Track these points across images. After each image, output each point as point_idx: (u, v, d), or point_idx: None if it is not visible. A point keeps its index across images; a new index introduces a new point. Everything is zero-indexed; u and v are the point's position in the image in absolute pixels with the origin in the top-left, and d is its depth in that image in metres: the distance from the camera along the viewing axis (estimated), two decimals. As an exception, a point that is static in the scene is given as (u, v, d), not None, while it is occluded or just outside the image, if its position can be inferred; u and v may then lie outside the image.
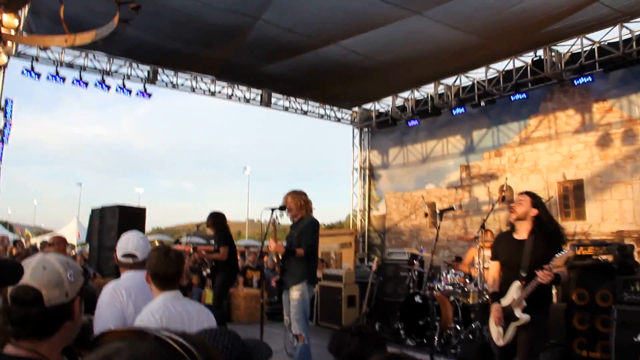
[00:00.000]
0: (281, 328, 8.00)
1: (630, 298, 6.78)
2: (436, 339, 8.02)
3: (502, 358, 4.71)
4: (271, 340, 8.79)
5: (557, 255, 4.36)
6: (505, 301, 4.65)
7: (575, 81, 10.59)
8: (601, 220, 10.47)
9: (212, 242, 9.36)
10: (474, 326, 7.87)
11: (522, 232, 4.66)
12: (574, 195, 11.07)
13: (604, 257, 7.75)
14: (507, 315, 4.61)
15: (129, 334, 0.85)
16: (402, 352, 1.99)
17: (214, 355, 0.89)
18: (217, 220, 8.76)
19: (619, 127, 10.47)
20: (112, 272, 5.89)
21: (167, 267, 2.96)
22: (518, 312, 4.54)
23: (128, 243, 3.62)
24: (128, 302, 3.29)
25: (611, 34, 10.11)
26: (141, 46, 11.25)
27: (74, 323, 1.70)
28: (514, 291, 4.59)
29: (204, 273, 9.96)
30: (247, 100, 14.20)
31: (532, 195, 4.78)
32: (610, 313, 6.93)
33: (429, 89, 13.57)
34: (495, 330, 4.75)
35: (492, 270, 4.96)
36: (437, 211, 6.32)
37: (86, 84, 11.94)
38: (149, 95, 12.61)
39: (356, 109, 15.96)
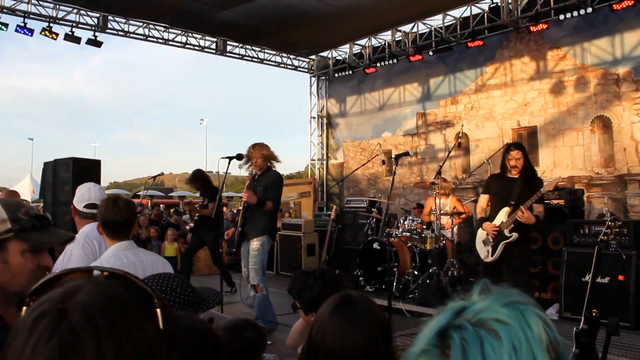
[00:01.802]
0: (239, 278, 8.06)
1: (579, 240, 7.03)
2: (394, 284, 8.20)
3: (489, 273, 5.77)
4: (233, 293, 8.86)
5: (547, 182, 5.79)
6: (496, 222, 5.75)
7: (530, 28, 10.65)
8: (553, 166, 10.72)
9: (199, 196, 9.39)
10: (431, 271, 8.05)
11: (514, 173, 5.79)
12: (528, 142, 11.25)
13: (555, 201, 7.98)
14: (497, 235, 5.71)
15: (86, 274, 0.85)
16: (359, 292, 2.01)
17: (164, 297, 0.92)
18: (203, 177, 8.93)
19: (571, 75, 10.63)
20: (68, 228, 5.75)
21: (115, 215, 2.92)
22: (507, 232, 5.62)
23: (91, 193, 3.56)
24: (99, 252, 3.28)
25: (566, -19, 10.19)
26: (89, -9, 10.80)
27: (6, 267, 1.62)
28: (503, 215, 5.70)
29: (187, 227, 9.93)
30: (202, 49, 13.86)
31: (522, 148, 5.91)
32: (560, 255, 7.18)
33: (386, 36, 13.47)
34: (483, 250, 5.86)
35: (481, 201, 6.16)
36: (393, 157, 6.39)
37: (31, 31, 11.38)
38: (100, 43, 12.14)
39: (313, 56, 15.76)
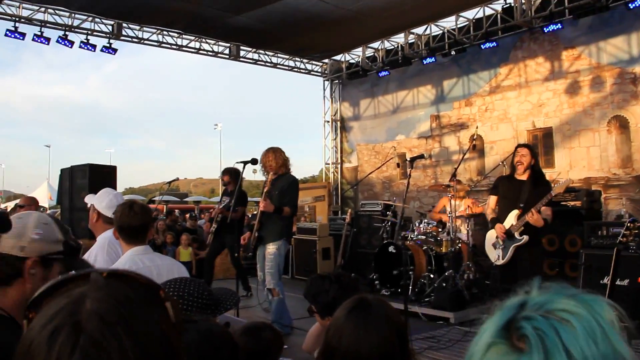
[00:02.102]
0: (256, 282, 8.06)
1: (597, 242, 6.95)
2: (410, 288, 8.15)
3: (504, 276, 5.91)
4: (249, 297, 8.86)
5: (557, 185, 5.68)
6: (505, 225, 5.74)
7: (545, 28, 10.58)
8: (569, 167, 10.62)
9: (222, 198, 9.21)
10: (447, 274, 8.00)
11: (522, 175, 5.78)
12: (543, 144, 11.19)
13: (572, 203, 7.91)
14: (507, 237, 5.72)
15: (84, 279, 0.83)
16: (374, 295, 2.00)
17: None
18: (235, 176, 8.62)
19: (587, 75, 10.53)
20: (85, 234, 5.78)
21: (131, 219, 2.94)
22: (517, 234, 5.63)
23: (117, 198, 3.60)
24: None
25: (580, -20, 10.13)
26: (103, -1, 10.89)
27: (24, 284, 1.65)
28: (513, 218, 5.69)
29: (212, 229, 9.88)
30: (216, 54, 13.92)
31: (529, 147, 5.93)
32: (578, 258, 7.11)
33: (399, 39, 13.45)
34: (493, 253, 5.89)
35: (491, 202, 6.16)
36: (407, 159, 6.38)
37: (47, 40, 11.53)
38: (114, 50, 12.27)
39: (326, 60, 15.77)
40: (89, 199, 3.73)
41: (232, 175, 8.71)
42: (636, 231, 4.05)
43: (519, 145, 6.01)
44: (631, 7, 9.39)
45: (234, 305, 2.08)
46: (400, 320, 1.94)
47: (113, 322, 0.73)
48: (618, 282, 6.04)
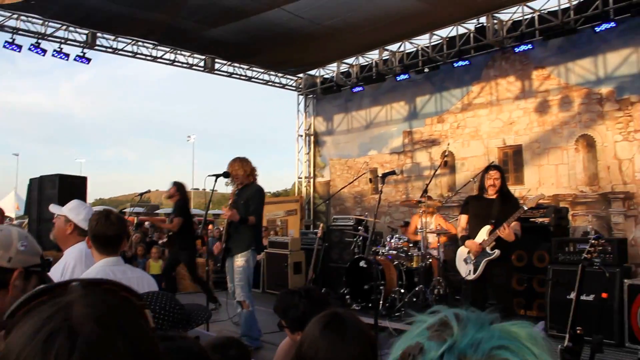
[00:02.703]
0: (226, 296, 8.01)
1: (564, 258, 7.08)
2: (381, 302, 8.19)
3: (474, 291, 6.06)
4: (217, 309, 8.78)
5: (529, 199, 5.85)
6: (477, 241, 5.87)
7: (516, 48, 10.80)
8: (539, 184, 10.80)
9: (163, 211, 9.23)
10: (417, 289, 8.06)
11: (490, 192, 5.97)
12: (513, 161, 11.37)
13: (540, 219, 8.04)
14: (479, 253, 5.83)
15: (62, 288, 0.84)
16: (345, 310, 2.03)
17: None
18: (182, 190, 8.74)
19: (556, 94, 10.75)
20: (53, 246, 5.69)
21: (107, 229, 2.92)
22: (489, 249, 5.77)
23: (90, 211, 3.56)
24: None
25: (550, 3, 10.39)
26: (78, 8, 10.78)
27: (6, 295, 1.64)
28: (484, 233, 5.83)
29: (160, 241, 9.80)
30: (190, 66, 13.88)
31: (500, 170, 6.11)
32: (546, 273, 7.23)
33: (373, 55, 13.59)
34: (464, 268, 5.99)
35: (462, 221, 6.26)
36: (379, 175, 6.46)
37: (19, 47, 11.40)
38: (88, 60, 12.15)
39: (301, 75, 15.83)
40: (57, 210, 3.68)
41: (178, 188, 8.76)
42: (600, 248, 4.15)
43: (490, 166, 6.15)
44: (597, 30, 9.66)
45: (205, 320, 2.08)
46: (372, 335, 1.97)
47: (108, 325, 0.74)
48: (584, 297, 6.16)
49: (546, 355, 0.69)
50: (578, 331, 3.63)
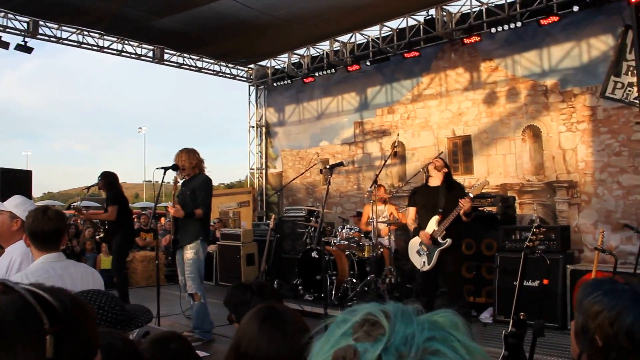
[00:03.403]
0: (179, 289, 7.93)
1: (511, 246, 7.28)
2: (333, 292, 8.25)
3: (426, 281, 6.19)
4: (169, 303, 8.71)
5: (475, 185, 5.99)
6: (428, 231, 6.00)
7: (464, 40, 10.96)
8: (487, 174, 11.01)
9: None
10: (369, 279, 8.14)
11: (435, 182, 6.11)
12: (463, 151, 11.56)
13: (488, 208, 8.22)
14: (432, 243, 5.96)
15: None
16: (277, 303, 2.04)
17: (84, 312, 0.86)
18: (108, 179, 8.42)
19: (503, 86, 10.97)
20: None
21: (44, 225, 2.85)
22: (440, 239, 5.90)
23: (33, 206, 3.48)
24: None
25: (498, -5, 10.59)
26: (18, -5, 10.43)
27: None
28: (434, 224, 5.96)
29: (97, 237, 9.54)
30: (139, 56, 13.59)
31: (443, 160, 6.36)
32: (494, 261, 7.41)
33: (324, 46, 13.59)
34: (418, 260, 6.10)
35: (410, 213, 6.41)
36: (327, 167, 6.48)
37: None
38: (30, 49, 11.73)
39: (252, 65, 15.71)
40: (0, 206, 3.60)
41: (102, 179, 8.50)
42: (541, 236, 4.28)
43: (435, 159, 6.44)
44: (542, 24, 9.88)
45: (146, 322, 2.02)
46: (308, 326, 1.98)
47: None
48: (529, 283, 6.34)
49: (468, 339, 0.71)
50: (521, 316, 3.74)
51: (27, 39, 11.71)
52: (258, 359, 1.76)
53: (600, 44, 9.75)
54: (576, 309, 1.92)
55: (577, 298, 1.92)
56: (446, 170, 6.21)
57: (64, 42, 12.36)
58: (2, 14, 11.33)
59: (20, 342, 0.73)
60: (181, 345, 2.15)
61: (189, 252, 6.50)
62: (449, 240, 5.89)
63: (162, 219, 16.40)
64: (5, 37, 11.46)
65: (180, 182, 6.84)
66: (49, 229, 2.86)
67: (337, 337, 0.72)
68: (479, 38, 10.76)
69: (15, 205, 3.54)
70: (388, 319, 0.70)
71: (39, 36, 11.87)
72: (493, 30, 10.50)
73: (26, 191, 8.56)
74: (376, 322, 0.70)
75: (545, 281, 5.54)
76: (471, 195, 5.89)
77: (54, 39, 12.18)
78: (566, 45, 10.13)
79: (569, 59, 10.10)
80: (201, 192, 6.60)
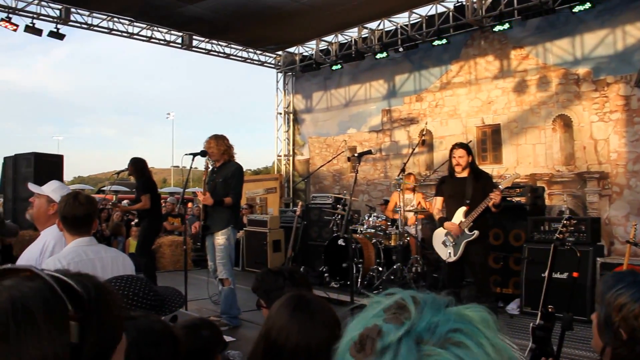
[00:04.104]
0: (206, 274, 8.00)
1: (539, 237, 7.18)
2: (359, 280, 8.25)
3: (452, 271, 6.17)
4: (196, 287, 8.82)
5: (507, 177, 5.99)
6: (454, 222, 5.91)
7: (494, 28, 10.80)
8: (516, 163, 10.90)
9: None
10: (395, 267, 8.13)
11: (462, 172, 5.98)
12: (492, 140, 11.45)
13: (517, 199, 8.13)
14: (459, 235, 5.88)
15: (21, 273, 0.81)
16: (306, 291, 2.04)
17: (108, 298, 0.88)
18: (137, 166, 8.46)
19: (534, 74, 10.81)
20: (30, 225, 5.63)
21: (75, 210, 2.89)
22: (467, 231, 5.83)
23: (69, 192, 3.58)
24: None
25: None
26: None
27: None
28: (461, 215, 5.89)
29: (133, 223, 9.66)
30: (168, 43, 13.69)
31: (465, 147, 6.08)
32: (521, 252, 7.33)
33: (352, 33, 13.52)
34: (444, 251, 6.05)
35: (437, 203, 6.34)
36: (355, 154, 6.45)
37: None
38: (62, 36, 11.89)
39: (280, 52, 15.72)
40: (37, 189, 3.67)
41: (131, 165, 8.51)
42: (572, 227, 4.22)
43: (455, 147, 6.15)
44: (575, 11, 9.68)
45: (179, 306, 2.03)
46: (336, 314, 1.99)
47: (8, 320, 0.72)
48: (558, 275, 6.27)
49: (497, 338, 0.71)
50: (550, 309, 3.70)
51: (59, 26, 11.87)
52: (288, 348, 1.77)
53: (636, 31, 9.54)
54: (597, 301, 1.89)
55: (598, 290, 1.90)
56: (470, 158, 6.08)
57: (95, 28, 12.51)
58: (36, 1, 11.51)
59: (45, 327, 0.75)
60: (212, 332, 2.18)
61: (220, 239, 6.54)
62: (476, 232, 5.82)
63: (190, 204, 16.54)
64: (39, 24, 11.62)
65: (211, 168, 6.87)
66: (80, 213, 2.92)
67: (370, 317, 0.75)
68: (509, 25, 10.58)
69: (53, 189, 3.60)
70: (417, 305, 0.72)
71: (70, 23, 12.04)
72: (524, 17, 10.31)
73: (58, 175, 8.71)
74: (405, 306, 0.73)
75: (576, 274, 5.45)
76: (501, 187, 5.81)
77: (85, 26, 12.33)
78: (600, 32, 9.93)
79: (603, 47, 9.90)
80: (233, 180, 6.61)
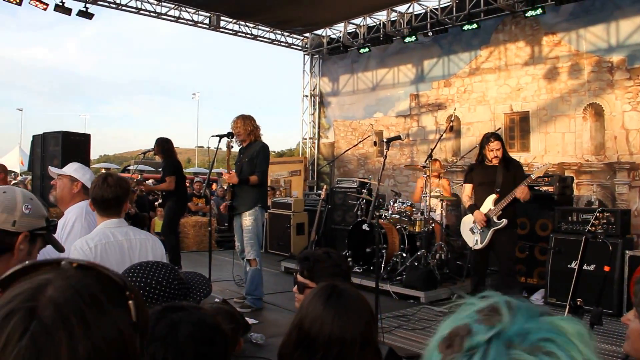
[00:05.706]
0: (230, 256, 8.05)
1: (567, 227, 7.09)
2: (382, 266, 8.24)
3: (478, 258, 6.27)
4: (219, 269, 8.89)
5: (537, 167, 6.09)
6: (483, 210, 6.00)
7: (526, 13, 10.60)
8: (544, 152, 10.75)
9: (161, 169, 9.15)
10: (419, 254, 8.10)
11: (493, 160, 6.04)
12: (520, 127, 11.28)
13: (545, 188, 8.02)
14: (486, 222, 5.94)
15: (54, 265, 0.81)
16: (342, 283, 2.02)
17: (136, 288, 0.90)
18: (163, 147, 8.54)
19: (566, 61, 10.60)
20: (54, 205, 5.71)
21: (104, 192, 2.94)
22: (496, 219, 5.88)
23: (89, 171, 3.73)
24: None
25: (564, -34, 10.14)
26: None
27: (10, 259, 1.64)
28: (490, 203, 5.95)
29: (156, 203, 9.76)
30: (195, 23, 13.68)
31: (500, 138, 6.19)
32: (548, 242, 7.25)
33: (381, 16, 13.38)
34: (471, 238, 6.16)
35: (467, 190, 6.40)
36: (384, 140, 6.41)
37: (20, 0, 11.20)
38: (91, 15, 11.92)
39: (307, 34, 15.63)
40: (58, 171, 3.77)
41: (158, 146, 8.56)
42: (604, 220, 4.15)
43: (490, 137, 6.14)
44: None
45: (205, 295, 1.94)
46: (368, 303, 1.98)
47: (68, 313, 0.72)
48: (584, 267, 6.18)
49: (591, 353, 0.70)
50: (578, 302, 3.66)
51: (88, 5, 11.91)
52: (322, 338, 1.77)
53: (674, 19, 9.29)
54: (637, 303, 1.82)
55: (636, 291, 1.83)
56: (503, 149, 6.13)
57: (123, 8, 12.54)
58: (66, -20, 11.54)
59: (115, 309, 0.78)
60: (244, 322, 2.16)
61: (248, 219, 6.55)
62: (504, 221, 5.84)
63: (214, 185, 16.63)
64: (68, 4, 11.68)
65: (234, 146, 6.90)
66: (108, 195, 2.96)
67: (462, 317, 0.76)
68: (542, 11, 10.36)
69: (75, 169, 3.69)
70: (510, 309, 0.73)
71: (99, 2, 12.07)
72: (557, 2, 10.09)
73: (85, 153, 8.81)
74: (498, 310, 0.74)
75: (607, 268, 5.37)
76: (532, 176, 5.86)
77: (113, 5, 12.37)
78: (637, 19, 9.67)
79: (639, 34, 9.66)
80: (258, 158, 6.62)
